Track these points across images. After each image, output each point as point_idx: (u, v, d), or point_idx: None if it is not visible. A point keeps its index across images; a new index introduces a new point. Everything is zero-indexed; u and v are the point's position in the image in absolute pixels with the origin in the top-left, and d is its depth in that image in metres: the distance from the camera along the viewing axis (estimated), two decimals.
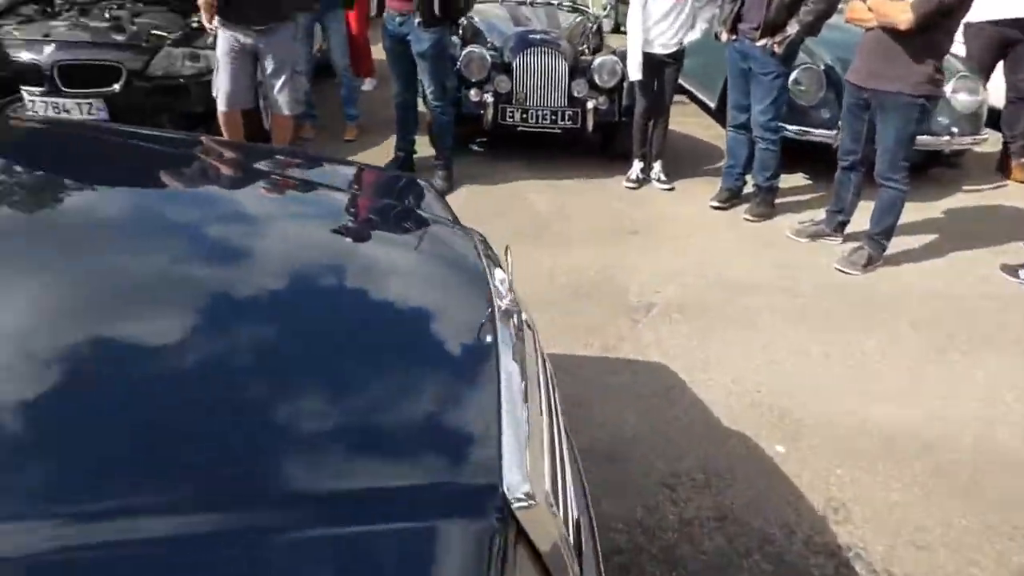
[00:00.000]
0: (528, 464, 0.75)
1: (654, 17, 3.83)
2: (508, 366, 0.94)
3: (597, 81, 4.22)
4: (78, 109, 3.67)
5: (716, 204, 3.92)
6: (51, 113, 3.68)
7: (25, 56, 3.62)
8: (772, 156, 3.71)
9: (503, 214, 3.74)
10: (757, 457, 2.10)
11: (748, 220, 3.77)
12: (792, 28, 3.40)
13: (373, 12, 6.34)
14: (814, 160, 4.36)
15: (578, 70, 4.25)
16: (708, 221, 3.82)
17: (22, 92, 3.60)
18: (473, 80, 4.13)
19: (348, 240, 1.28)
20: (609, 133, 4.56)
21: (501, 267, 1.33)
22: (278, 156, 1.76)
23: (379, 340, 0.96)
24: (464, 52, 4.11)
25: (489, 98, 4.14)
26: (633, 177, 4.24)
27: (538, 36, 4.28)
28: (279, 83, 3.58)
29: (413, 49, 3.65)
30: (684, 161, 4.63)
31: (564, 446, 1.08)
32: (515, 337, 1.03)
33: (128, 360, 0.78)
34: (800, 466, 2.06)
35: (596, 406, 2.27)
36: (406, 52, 3.70)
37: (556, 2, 5.13)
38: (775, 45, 3.42)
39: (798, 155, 4.32)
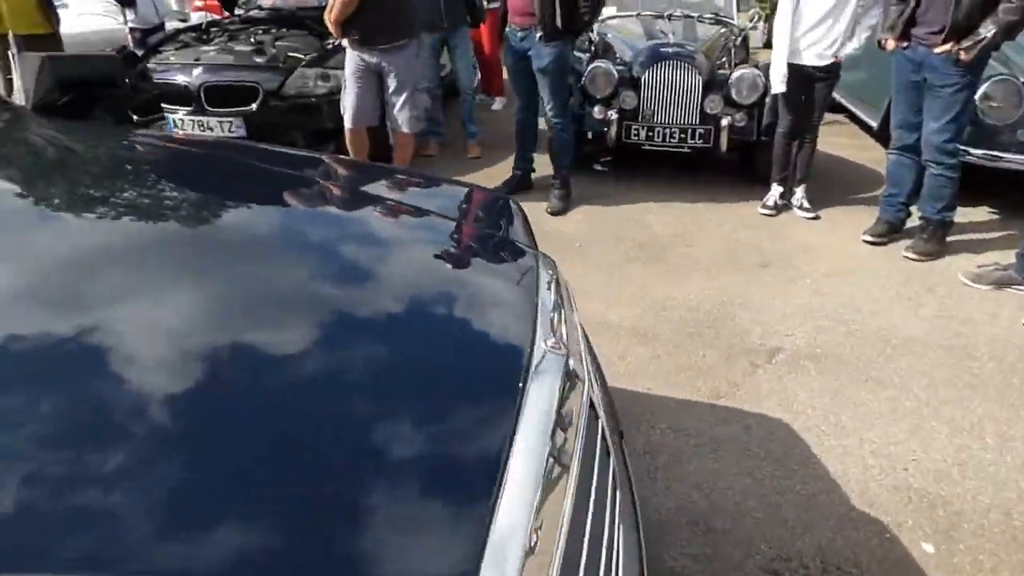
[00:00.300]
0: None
1: (806, 23, 3.39)
2: (528, 435, 0.76)
3: (734, 96, 3.84)
4: (220, 127, 3.92)
5: (870, 238, 3.37)
6: (196, 131, 3.96)
7: (178, 79, 3.93)
8: (947, 184, 3.12)
9: (619, 237, 3.47)
10: (895, 554, 1.67)
11: (910, 259, 3.19)
12: (986, 30, 2.83)
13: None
14: (1005, 192, 3.66)
15: (714, 85, 3.90)
16: (858, 257, 3.29)
17: (164, 112, 3.89)
18: (598, 96, 3.91)
19: (402, 260, 1.16)
20: (746, 154, 4.14)
21: (566, 302, 1.17)
22: (362, 172, 1.67)
23: (384, 376, 0.84)
24: (589, 67, 3.91)
25: (613, 115, 3.90)
26: (771, 203, 3.79)
27: (670, 49, 3.98)
28: (400, 101, 3.59)
29: (534, 64, 3.51)
30: (833, 187, 4.08)
31: (607, 539, 0.86)
32: (553, 392, 0.85)
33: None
34: (952, 574, 1.60)
35: (695, 461, 1.95)
36: (527, 68, 3.57)
37: (697, 15, 4.78)
38: (962, 51, 2.86)
39: (983, 185, 3.65)
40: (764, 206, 3.80)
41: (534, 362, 0.88)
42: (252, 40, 4.24)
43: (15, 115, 1.58)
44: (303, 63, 4.00)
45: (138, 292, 0.88)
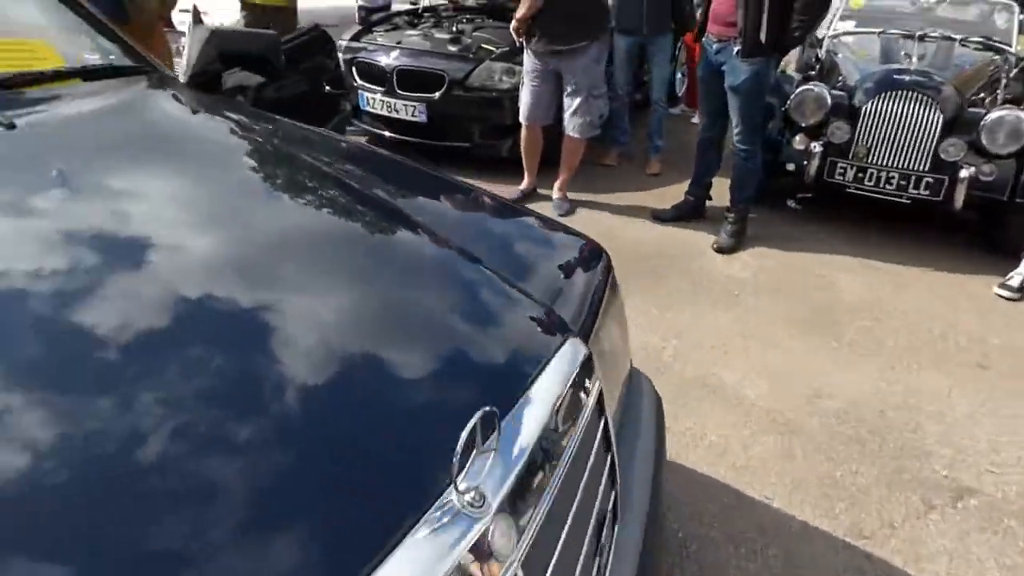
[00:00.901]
0: None
1: None
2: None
3: (985, 143, 3.08)
4: (404, 109, 4.02)
5: None
6: (383, 111, 4.11)
7: (377, 59, 4.09)
8: None
9: (791, 293, 2.96)
10: None
11: None
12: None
13: None
14: None
15: (958, 125, 3.16)
16: None
17: (358, 88, 4.07)
18: (803, 124, 3.37)
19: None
20: (991, 216, 3.32)
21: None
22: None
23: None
24: (799, 89, 3.37)
25: (817, 147, 3.34)
26: (1015, 283, 3.00)
27: (908, 77, 3.29)
28: (574, 104, 3.41)
29: (726, 81, 3.09)
30: None
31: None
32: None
33: None
34: None
35: None
36: (719, 84, 3.16)
37: (960, 37, 3.93)
38: None
39: None
40: (1004, 286, 3.01)
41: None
42: (454, 28, 4.29)
43: (160, 84, 1.65)
44: (492, 56, 3.96)
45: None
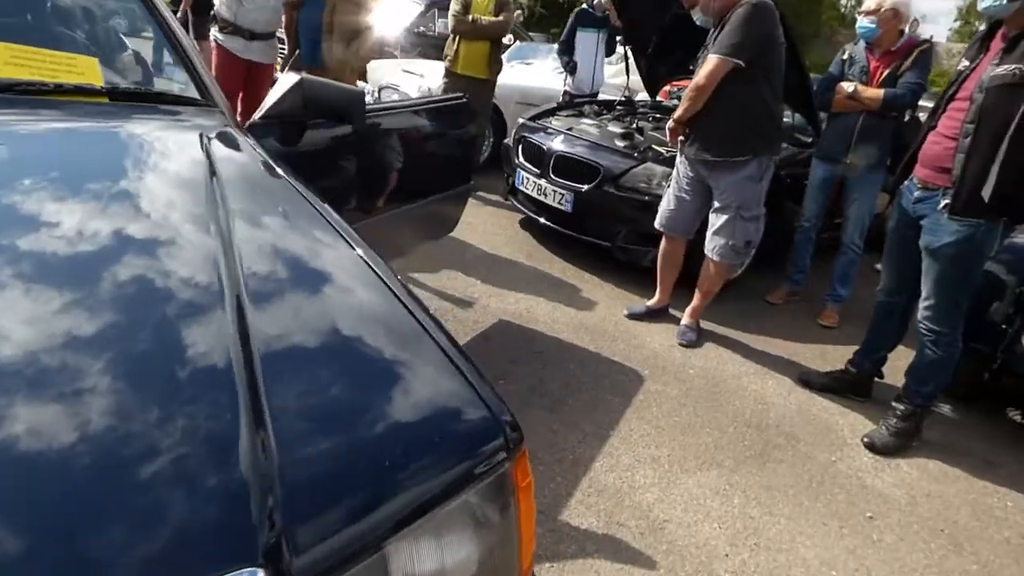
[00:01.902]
0: None
1: None
2: None
3: None
4: (553, 195, 3.79)
5: None
6: (533, 192, 3.92)
7: (543, 142, 3.94)
8: None
9: (964, 539, 2.11)
10: None
11: None
12: None
13: None
14: None
15: None
16: None
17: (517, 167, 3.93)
18: None
19: None
20: None
21: None
22: None
23: None
24: None
25: None
26: None
27: None
28: (719, 223, 2.91)
29: (922, 239, 2.40)
30: None
31: None
32: None
33: None
34: None
35: None
36: (914, 240, 2.46)
37: None
38: None
39: None
40: None
41: None
42: (634, 125, 4.03)
43: (194, 115, 1.58)
44: (659, 158, 3.59)
45: None
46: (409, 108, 2.67)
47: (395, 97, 5.64)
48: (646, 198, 3.49)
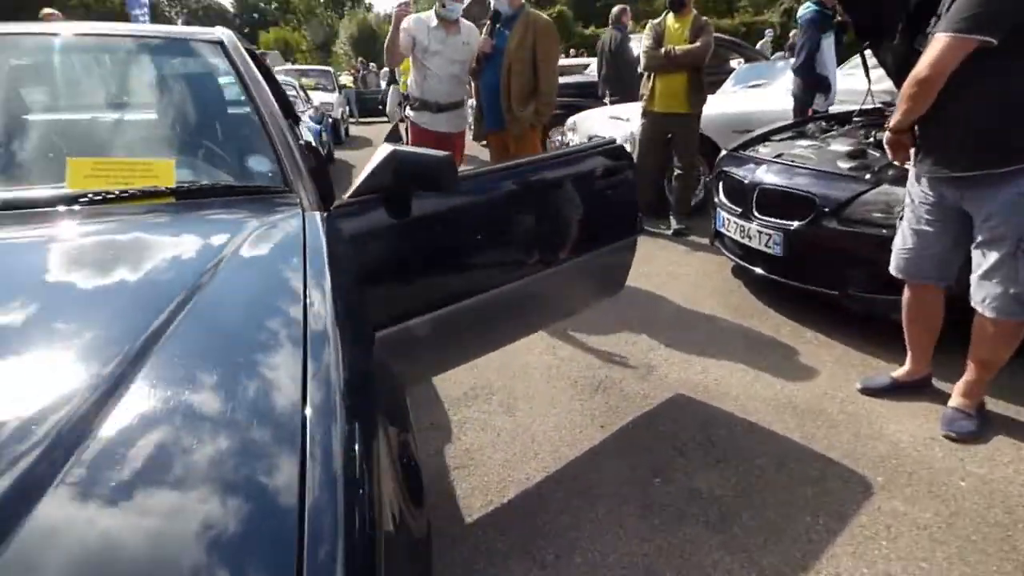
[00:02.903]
0: None
1: None
2: None
3: None
4: (758, 237, 3.11)
5: None
6: (737, 235, 3.27)
7: (744, 174, 3.28)
8: None
9: None
10: None
11: None
12: None
13: None
14: None
15: None
16: None
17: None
18: None
19: None
20: None
21: None
22: None
23: None
24: None
25: None
26: None
27: None
28: (988, 264, 2.01)
29: None
30: None
31: None
32: None
33: None
34: None
35: None
36: None
37: None
38: None
39: None
40: None
41: None
42: (869, 137, 3.17)
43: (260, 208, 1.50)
44: (894, 178, 2.72)
45: None
46: (554, 160, 2.36)
47: None
48: (883, 231, 2.64)
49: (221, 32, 1.95)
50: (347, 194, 1.71)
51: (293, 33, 28.53)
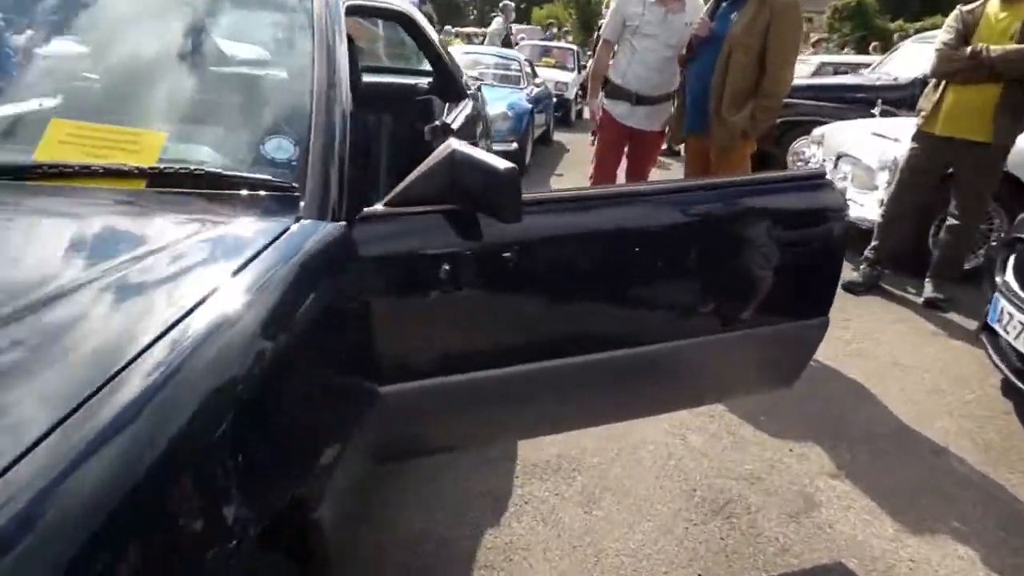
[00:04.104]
0: None
1: None
2: None
3: None
4: None
5: None
6: (1018, 341, 2.16)
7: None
8: None
9: None
10: None
11: None
12: None
13: None
14: None
15: None
16: None
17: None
18: None
19: None
20: None
21: None
22: None
23: None
24: None
25: None
26: None
27: None
28: None
29: None
30: None
31: None
32: None
33: None
34: None
35: None
36: None
37: None
38: None
39: None
40: None
41: None
42: None
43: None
44: None
45: None
46: (719, 189, 1.61)
47: (846, 169, 4.25)
48: None
49: None
50: (385, 200, 1.24)
51: (563, 10, 28.74)
